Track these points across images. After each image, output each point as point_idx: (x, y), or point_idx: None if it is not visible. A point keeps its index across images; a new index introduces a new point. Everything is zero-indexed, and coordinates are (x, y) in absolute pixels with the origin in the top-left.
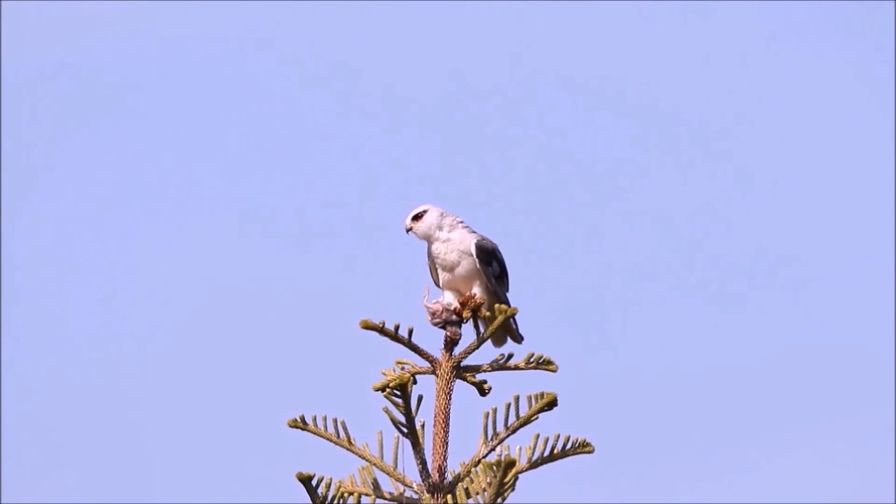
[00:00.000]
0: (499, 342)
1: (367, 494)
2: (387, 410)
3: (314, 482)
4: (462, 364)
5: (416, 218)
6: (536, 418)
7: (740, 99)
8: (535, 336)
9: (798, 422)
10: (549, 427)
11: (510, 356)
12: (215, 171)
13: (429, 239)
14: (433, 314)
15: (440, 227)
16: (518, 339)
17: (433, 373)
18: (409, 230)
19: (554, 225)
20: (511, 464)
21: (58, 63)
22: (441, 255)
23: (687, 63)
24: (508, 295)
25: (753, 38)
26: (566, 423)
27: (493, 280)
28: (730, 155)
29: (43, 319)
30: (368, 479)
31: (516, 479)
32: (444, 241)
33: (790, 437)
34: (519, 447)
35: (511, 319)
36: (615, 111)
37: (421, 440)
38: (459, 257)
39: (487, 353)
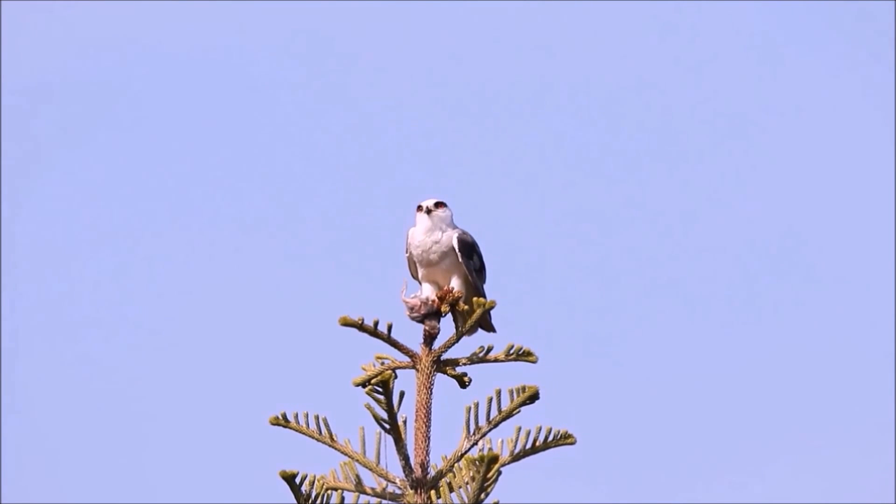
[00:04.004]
0: (471, 332)
1: (350, 491)
2: (369, 407)
3: (297, 480)
4: (442, 358)
5: (438, 205)
6: (518, 412)
7: (739, 99)
8: (514, 327)
9: (795, 422)
10: (530, 419)
11: (490, 349)
12: (201, 169)
13: (429, 230)
14: (412, 308)
15: (444, 228)
16: (491, 328)
17: (413, 367)
18: (428, 211)
19: (538, 218)
20: (494, 459)
21: (54, 70)
22: (425, 251)
23: (686, 63)
24: (485, 287)
25: (753, 38)
26: (547, 414)
27: (473, 273)
28: (727, 155)
29: (42, 320)
30: (351, 476)
31: (499, 473)
32: (435, 241)
33: (788, 437)
34: (501, 440)
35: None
36: (610, 109)
37: (403, 435)
38: (441, 257)
39: (467, 346)
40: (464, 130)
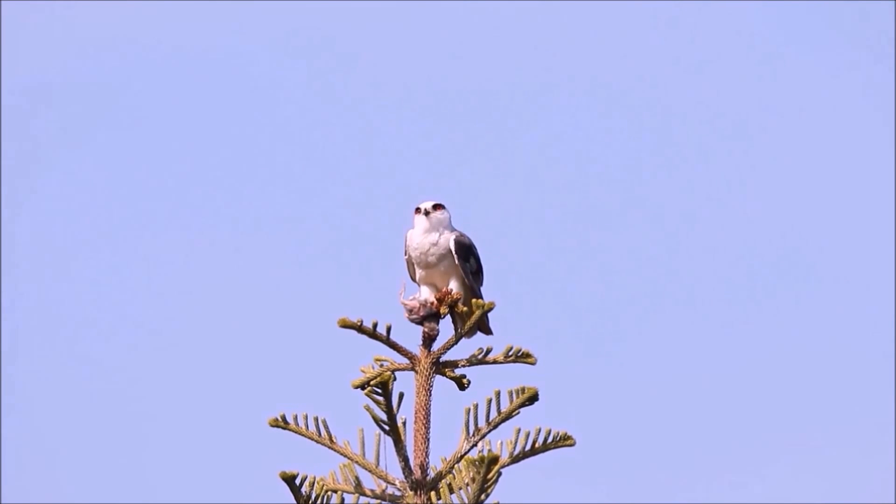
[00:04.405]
0: (469, 334)
1: (349, 492)
2: (368, 408)
3: (297, 481)
4: (441, 360)
5: (437, 207)
6: (518, 413)
7: (739, 99)
8: (513, 329)
9: (795, 422)
10: (529, 420)
11: (489, 350)
12: (201, 169)
13: (427, 232)
14: (410, 311)
15: (442, 230)
16: (488, 330)
17: (412, 369)
18: (426, 213)
19: (537, 218)
20: (494, 460)
21: (54, 70)
22: (423, 253)
23: (686, 63)
24: (482, 289)
25: (753, 38)
26: (546, 415)
27: (470, 276)
28: (727, 155)
29: (42, 320)
30: (350, 477)
31: (499, 473)
32: (433, 244)
33: (788, 437)
34: (500, 441)
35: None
36: (610, 109)
37: (403, 437)
38: (439, 259)
39: (466, 347)
40: (464, 131)
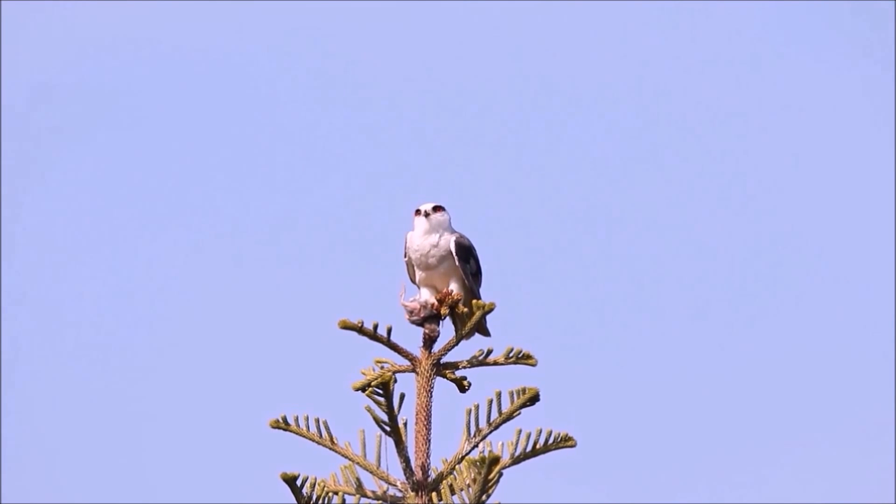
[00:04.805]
0: (468, 336)
1: (350, 494)
2: (369, 409)
3: (299, 482)
4: (441, 361)
5: (436, 209)
6: (518, 413)
7: (739, 99)
8: (513, 330)
9: (796, 422)
10: (530, 421)
11: (489, 352)
12: (201, 169)
13: (427, 233)
14: (411, 312)
15: (442, 231)
16: (486, 332)
17: (413, 371)
18: (427, 214)
19: (536, 219)
20: (495, 460)
21: (54, 70)
22: (423, 255)
23: (686, 63)
24: (481, 290)
25: (753, 38)
26: (547, 416)
27: (469, 277)
28: (727, 155)
29: (42, 320)
30: (351, 478)
31: (500, 474)
32: (433, 245)
33: (788, 437)
34: (501, 442)
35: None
36: (610, 109)
37: (404, 438)
38: (439, 260)
39: (466, 349)
40: (464, 131)
